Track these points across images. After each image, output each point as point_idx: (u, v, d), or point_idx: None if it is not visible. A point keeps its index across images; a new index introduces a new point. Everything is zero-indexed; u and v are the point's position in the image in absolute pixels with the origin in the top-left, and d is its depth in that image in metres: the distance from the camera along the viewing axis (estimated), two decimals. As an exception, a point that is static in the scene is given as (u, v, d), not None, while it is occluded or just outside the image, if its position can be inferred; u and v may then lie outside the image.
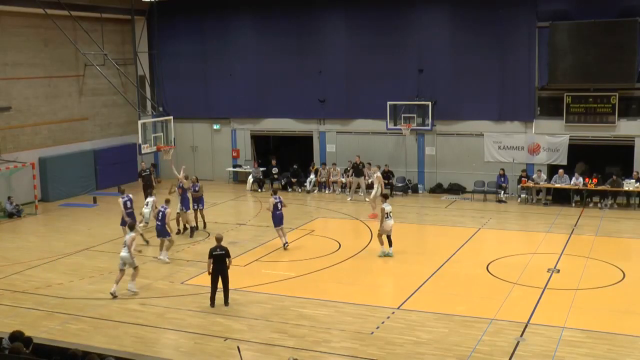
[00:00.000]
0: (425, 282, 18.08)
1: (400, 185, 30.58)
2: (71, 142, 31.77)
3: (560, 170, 28.11)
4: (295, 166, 32.20)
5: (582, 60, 28.00)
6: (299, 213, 26.57)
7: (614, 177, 27.23)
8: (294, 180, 31.98)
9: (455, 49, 29.80)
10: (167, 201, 21.25)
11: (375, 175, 25.98)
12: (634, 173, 27.36)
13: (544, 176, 28.40)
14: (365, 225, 24.61)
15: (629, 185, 27.03)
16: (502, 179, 28.91)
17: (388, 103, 30.04)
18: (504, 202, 28.43)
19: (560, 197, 28.08)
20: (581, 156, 28.97)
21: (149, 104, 32.58)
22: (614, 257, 19.94)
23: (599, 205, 27.41)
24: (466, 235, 22.92)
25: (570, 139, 28.65)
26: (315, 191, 31.34)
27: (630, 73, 27.58)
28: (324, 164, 31.93)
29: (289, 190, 31.67)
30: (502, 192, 28.75)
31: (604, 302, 16.44)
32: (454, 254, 20.72)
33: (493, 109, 29.58)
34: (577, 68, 28.19)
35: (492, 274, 18.70)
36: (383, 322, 15.17)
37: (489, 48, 29.22)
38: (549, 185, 28.23)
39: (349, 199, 29.27)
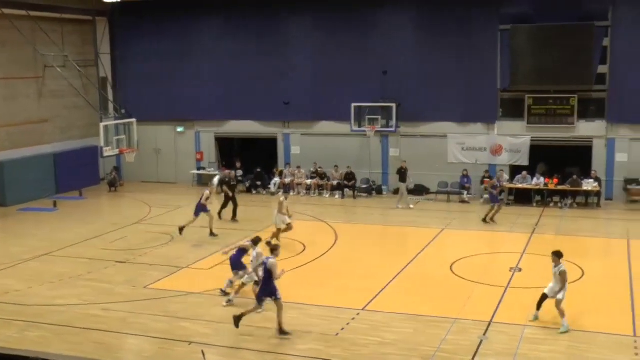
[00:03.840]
0: (389, 282, 18.14)
1: (364, 186, 30.68)
2: (30, 145, 31.09)
3: (524, 172, 28.48)
4: (258, 169, 32.11)
5: (543, 63, 28.41)
6: (263, 215, 26.49)
7: (574, 177, 27.68)
8: (258, 182, 31.89)
9: (419, 51, 30.01)
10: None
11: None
12: (592, 173, 27.86)
13: (506, 177, 28.72)
14: (330, 227, 24.62)
15: (588, 185, 27.51)
16: (466, 179, 29.19)
17: (352, 105, 30.13)
18: (467, 202, 28.69)
19: (522, 197, 28.44)
20: (542, 157, 29.35)
21: (111, 106, 32.21)
22: (574, 256, 20.11)
23: (559, 204, 27.83)
24: (430, 235, 23.06)
25: (531, 140, 29.03)
26: (280, 193, 31.27)
27: (588, 75, 28.11)
28: (288, 164, 32.00)
29: (253, 192, 31.58)
30: (466, 192, 29.00)
31: (573, 300, 16.62)
32: (418, 254, 20.83)
33: (456, 111, 29.83)
34: (538, 70, 28.59)
35: (455, 274, 18.85)
36: (348, 324, 15.19)
37: (452, 50, 29.49)
38: (511, 186, 28.58)
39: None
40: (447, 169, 29.93)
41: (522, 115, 29.08)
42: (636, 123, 27.94)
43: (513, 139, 29.34)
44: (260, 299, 14.80)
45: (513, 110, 29.48)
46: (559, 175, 28.18)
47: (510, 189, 28.78)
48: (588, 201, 27.89)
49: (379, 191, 30.92)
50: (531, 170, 28.88)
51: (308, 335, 14.65)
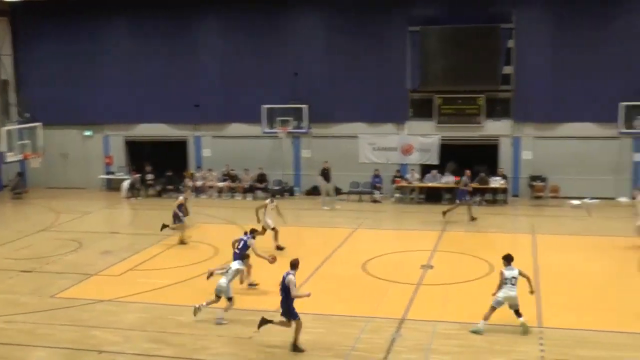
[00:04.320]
0: (303, 283, 18.09)
1: (276, 188, 30.63)
2: None
3: (434, 170, 29.04)
4: (169, 173, 31.61)
5: (451, 64, 29.06)
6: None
7: (482, 175, 28.39)
8: (170, 187, 31.40)
9: (330, 53, 30.21)
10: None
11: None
12: (499, 170, 28.69)
13: (417, 175, 29.22)
14: (242, 230, 24.36)
15: (495, 182, 28.29)
16: (377, 179, 29.53)
17: (263, 107, 30.06)
18: (379, 202, 29.02)
19: (432, 196, 28.99)
20: (451, 156, 29.97)
21: (14, 109, 31.07)
22: (483, 252, 20.73)
23: (468, 201, 28.41)
24: (343, 235, 23.21)
25: (441, 139, 29.63)
26: (192, 197, 30.87)
27: (494, 76, 28.95)
28: (199, 167, 31.67)
29: (164, 196, 31.08)
30: (377, 192, 29.33)
31: (475, 294, 17.01)
32: (330, 254, 20.93)
33: (367, 111, 30.16)
34: (446, 71, 29.23)
35: (368, 273, 19.01)
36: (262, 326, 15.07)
37: (362, 51, 29.81)
38: (422, 185, 29.09)
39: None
40: (358, 169, 30.20)
41: (432, 115, 29.66)
42: (540, 122, 28.94)
43: (423, 138, 29.89)
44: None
45: (423, 110, 30.00)
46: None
47: (421, 188, 29.29)
48: (496, 198, 28.68)
49: (291, 192, 30.96)
50: (441, 169, 29.48)
51: (220, 339, 14.48)
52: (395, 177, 29.49)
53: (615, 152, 28.65)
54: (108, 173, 33.40)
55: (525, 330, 14.34)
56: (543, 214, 26.80)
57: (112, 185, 32.94)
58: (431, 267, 19.48)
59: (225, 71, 31.20)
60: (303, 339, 14.19)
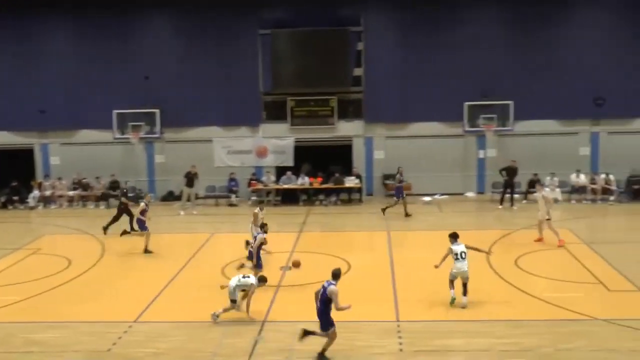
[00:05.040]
0: (161, 291, 17.73)
1: (130, 195, 29.72)
2: None
3: (289, 172, 29.26)
4: (14, 182, 30.00)
5: (303, 66, 29.41)
6: (23, 231, 24.82)
7: (337, 175, 28.92)
8: (15, 197, 29.80)
9: (181, 56, 29.81)
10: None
11: None
12: (353, 170, 29.34)
13: (272, 178, 29.34)
14: (96, 240, 23.58)
15: (350, 182, 28.89)
16: (233, 183, 29.39)
17: (114, 112, 29.20)
18: (236, 205, 28.89)
19: (289, 197, 29.20)
20: (306, 157, 30.34)
21: None
22: (340, 250, 21.09)
23: (324, 202, 28.92)
24: (200, 240, 22.92)
25: (295, 141, 29.90)
26: (40, 207, 29.50)
27: (345, 78, 29.60)
28: (47, 175, 30.28)
29: (10, 207, 29.48)
30: (233, 195, 29.19)
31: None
32: (189, 260, 20.61)
33: (221, 115, 29.98)
34: (298, 73, 29.54)
35: (227, 277, 18.79)
36: (120, 337, 14.59)
37: (214, 55, 29.61)
38: (278, 187, 29.24)
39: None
40: (214, 173, 29.92)
41: (285, 118, 29.87)
42: (390, 122, 29.84)
43: (277, 140, 30.06)
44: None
45: (276, 112, 30.19)
46: (323, 174, 29.30)
47: (277, 190, 29.43)
48: (351, 197, 29.29)
49: (147, 199, 30.22)
50: (296, 170, 29.75)
51: (76, 354, 13.87)
52: (251, 180, 29.48)
53: (461, 150, 30.04)
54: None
55: (452, 300, 15.97)
56: (396, 211, 27.59)
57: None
58: (290, 268, 19.55)
59: (72, 76, 30.00)
60: (163, 347, 13.88)
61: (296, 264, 17.37)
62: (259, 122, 30.19)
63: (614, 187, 28.35)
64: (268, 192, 29.56)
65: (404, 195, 26.29)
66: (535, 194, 23.04)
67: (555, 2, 29.09)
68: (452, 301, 15.94)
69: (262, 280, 15.70)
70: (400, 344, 13.97)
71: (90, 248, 22.58)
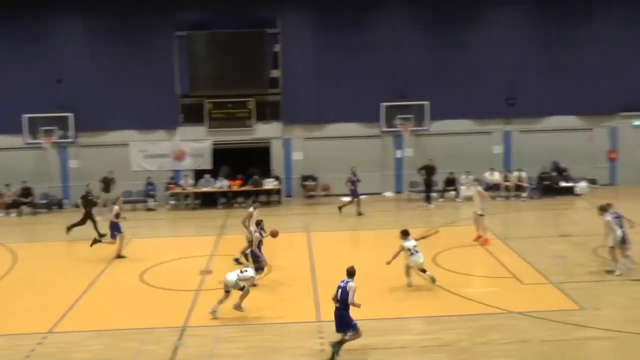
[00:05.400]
0: (77, 300, 17.28)
1: (43, 202, 28.96)
2: None
3: (207, 175, 28.99)
4: None
5: (220, 68, 29.22)
6: None
7: (255, 177, 28.85)
8: None
9: (95, 59, 29.19)
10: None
11: None
12: (272, 172, 29.33)
13: (190, 181, 29.03)
14: (6, 249, 22.79)
15: (269, 184, 28.86)
16: (150, 187, 28.94)
17: (24, 116, 28.34)
18: (154, 210, 28.44)
19: (207, 201, 28.95)
20: (224, 160, 30.13)
21: None
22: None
23: (243, 205, 28.78)
24: (117, 247, 22.38)
25: (213, 144, 29.66)
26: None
27: (263, 80, 29.56)
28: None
29: None
30: (151, 200, 28.73)
31: (255, 295, 17.17)
32: (106, 267, 20.15)
33: (137, 118, 29.46)
34: (215, 76, 29.33)
35: (146, 283, 18.54)
36: (33, 350, 14.11)
37: (129, 57, 29.09)
38: (196, 190, 28.94)
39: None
40: (131, 178, 29.36)
41: (203, 120, 29.59)
42: (308, 123, 29.95)
43: (195, 143, 29.77)
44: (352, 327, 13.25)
45: (194, 115, 29.86)
46: (242, 176, 29.16)
47: (195, 193, 29.13)
48: (270, 199, 29.24)
49: (60, 205, 29.42)
50: (214, 173, 29.52)
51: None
52: (169, 183, 29.09)
53: (379, 150, 30.40)
54: None
55: (432, 280, 17.07)
56: (316, 212, 27.75)
57: None
58: (210, 272, 19.41)
59: (-22, 79, 28.95)
60: (79, 358, 13.55)
61: (274, 234, 18.05)
62: (176, 125, 29.81)
63: (526, 184, 29.23)
64: (186, 196, 29.21)
65: (359, 195, 26.60)
66: (467, 189, 23.76)
67: (468, 3, 29.79)
68: (409, 283, 17.29)
69: (258, 269, 16.52)
70: (322, 344, 14.03)
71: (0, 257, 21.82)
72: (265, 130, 30.00)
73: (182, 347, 14.06)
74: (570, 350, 13.56)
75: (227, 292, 15.55)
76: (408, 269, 17.31)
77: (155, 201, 28.86)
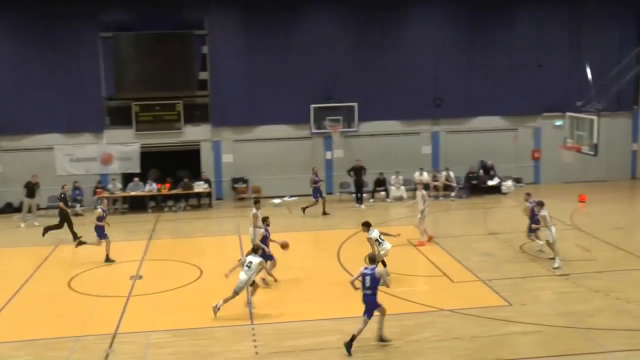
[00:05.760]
0: (1, 309, 16.75)
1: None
2: None
3: (136, 179, 28.53)
4: None
5: (147, 70, 28.77)
6: None
7: (185, 180, 28.55)
8: None
9: (17, 60, 28.35)
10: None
11: None
12: (202, 175, 29.09)
13: (119, 185, 28.52)
14: None
15: (199, 187, 28.59)
16: (77, 191, 28.29)
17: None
18: (81, 215, 27.74)
19: (137, 205, 28.49)
20: (153, 163, 29.70)
21: None
22: (191, 256, 20.85)
23: (173, 208, 28.44)
24: (43, 254, 21.82)
25: (141, 147, 29.20)
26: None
27: (191, 82, 29.25)
28: None
29: None
30: (78, 205, 28.06)
31: (187, 300, 17.07)
32: (31, 275, 19.59)
33: (62, 121, 28.74)
34: (142, 78, 28.86)
35: (75, 290, 18.13)
36: (-45, 362, 13.67)
37: (53, 58, 28.34)
38: (124, 194, 28.46)
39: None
40: (56, 182, 28.52)
41: (130, 123, 29.10)
42: (238, 125, 29.79)
43: (123, 147, 29.24)
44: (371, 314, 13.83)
45: (121, 118, 29.29)
46: (171, 179, 28.81)
47: (124, 198, 28.63)
48: (200, 202, 28.98)
49: (-19, 211, 28.52)
50: (143, 177, 29.08)
51: None
52: (97, 188, 28.49)
53: (309, 152, 30.46)
54: None
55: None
56: (247, 215, 27.26)
57: None
58: (140, 277, 19.12)
59: None
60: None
61: (285, 246, 18.06)
62: (102, 128, 29.19)
63: (454, 184, 29.74)
64: (115, 200, 28.66)
65: (322, 194, 26.89)
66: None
67: (395, 5, 30.09)
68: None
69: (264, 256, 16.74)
70: (256, 347, 13.99)
71: None
72: (194, 133, 29.71)
73: (113, 354, 13.81)
74: (499, 346, 13.87)
75: (236, 293, 15.64)
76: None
77: (82, 206, 28.17)
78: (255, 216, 19.87)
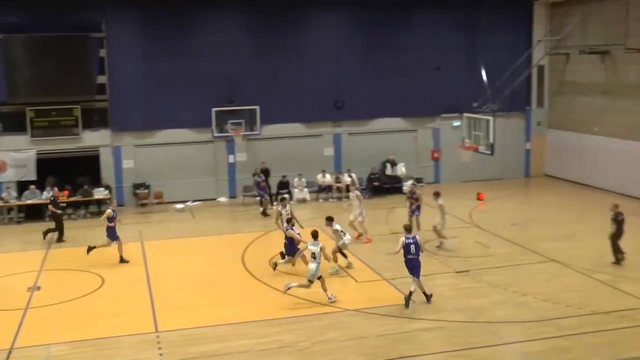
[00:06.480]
0: None
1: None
2: None
3: (32, 186, 27.55)
4: None
5: (42, 74, 27.89)
6: None
7: (85, 187, 27.78)
8: None
9: None
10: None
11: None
12: (102, 181, 28.40)
13: (14, 194, 27.50)
14: None
15: (99, 193, 27.88)
16: (-31, 201, 27.12)
17: None
18: (-26, 225, 26.66)
19: (33, 213, 27.53)
20: (51, 170, 28.76)
21: None
22: (92, 265, 20.30)
23: (72, 216, 27.64)
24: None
25: (37, 154, 28.25)
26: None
27: (89, 86, 28.57)
28: None
29: None
30: (-29, 215, 26.93)
31: (89, 309, 16.64)
32: None
33: (-50, 128, 27.50)
34: (37, 82, 27.97)
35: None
36: None
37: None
38: (20, 203, 27.46)
39: None
40: (-54, 192, 27.40)
41: (25, 129, 28.09)
42: (138, 130, 29.24)
43: (17, 154, 28.19)
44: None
45: (14, 123, 28.22)
46: (69, 186, 27.97)
47: (20, 206, 27.61)
48: (101, 209, 28.20)
49: None
50: (40, 184, 28.12)
51: None
52: (-9, 196, 27.40)
53: (211, 155, 30.22)
54: None
55: (349, 265, 19.32)
56: (149, 221, 27.16)
57: None
58: (39, 288, 18.49)
59: None
60: None
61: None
62: (-6, 135, 28.14)
63: (356, 185, 30.08)
64: (10, 209, 27.60)
65: (266, 195, 27.43)
66: (350, 194, 24.54)
67: (294, 8, 30.19)
68: (349, 265, 19.36)
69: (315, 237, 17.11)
70: (161, 355, 13.80)
71: None
72: (93, 138, 28.95)
73: (10, 369, 13.33)
74: (404, 343, 14.18)
75: (311, 282, 16.48)
76: (336, 252, 19.00)
77: (-25, 216, 27.06)
78: (279, 213, 21.45)
